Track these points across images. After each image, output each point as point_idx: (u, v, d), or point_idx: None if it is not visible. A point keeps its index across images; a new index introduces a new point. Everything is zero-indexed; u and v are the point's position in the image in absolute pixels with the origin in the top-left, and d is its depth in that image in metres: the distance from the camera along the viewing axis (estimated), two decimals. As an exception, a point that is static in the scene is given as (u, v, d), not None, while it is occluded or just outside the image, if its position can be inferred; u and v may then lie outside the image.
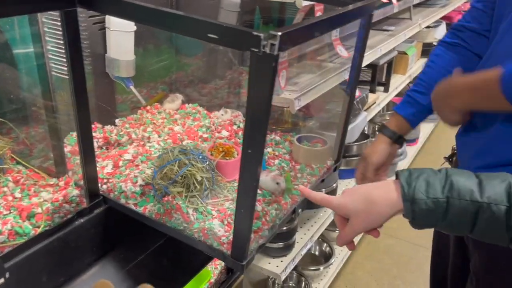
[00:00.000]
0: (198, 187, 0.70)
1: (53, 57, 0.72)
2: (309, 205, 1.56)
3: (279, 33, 0.49)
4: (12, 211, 0.67)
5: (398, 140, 0.94)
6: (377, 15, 1.65)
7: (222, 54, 1.13)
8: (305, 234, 1.45)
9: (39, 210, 0.68)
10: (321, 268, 1.69)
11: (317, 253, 1.86)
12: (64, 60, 0.70)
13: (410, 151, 2.95)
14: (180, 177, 0.70)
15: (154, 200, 0.73)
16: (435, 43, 2.52)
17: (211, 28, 0.53)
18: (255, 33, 0.50)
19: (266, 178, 0.78)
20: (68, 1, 0.60)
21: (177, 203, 0.70)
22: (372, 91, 1.76)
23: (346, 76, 1.31)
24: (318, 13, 1.03)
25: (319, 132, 1.03)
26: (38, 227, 0.67)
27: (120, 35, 0.87)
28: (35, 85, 0.78)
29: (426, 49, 2.42)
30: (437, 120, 3.35)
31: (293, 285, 1.72)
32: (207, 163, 0.72)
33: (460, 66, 0.88)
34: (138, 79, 1.02)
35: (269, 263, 1.33)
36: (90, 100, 0.92)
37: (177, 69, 1.17)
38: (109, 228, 0.79)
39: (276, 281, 1.72)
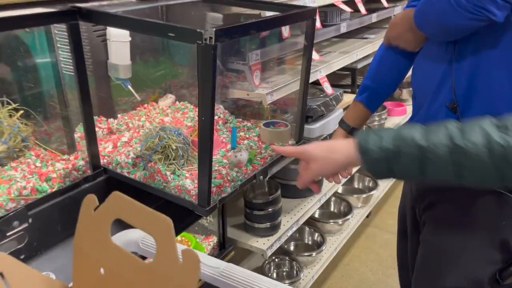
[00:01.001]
0: (174, 154, 0.91)
1: (63, 59, 0.94)
2: (295, 194, 1.75)
3: (214, 29, 0.70)
4: (34, 175, 0.88)
5: (352, 131, 1.08)
6: (354, 24, 1.86)
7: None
8: (291, 218, 1.64)
9: (54, 175, 0.89)
10: (314, 254, 1.86)
11: (310, 242, 2.03)
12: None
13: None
14: (160, 148, 0.91)
15: (142, 168, 0.94)
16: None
17: (170, 29, 0.75)
18: (198, 30, 0.71)
19: (231, 153, 0.99)
20: (72, 16, 0.83)
21: (158, 167, 0.90)
22: (353, 92, 1.96)
23: (317, 76, 1.51)
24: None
25: (291, 122, 1.23)
26: (53, 187, 0.88)
27: (118, 45, 1.09)
28: (52, 86, 1.01)
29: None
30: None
31: (287, 269, 1.89)
32: (182, 137, 0.93)
33: (397, 58, 1.07)
34: (140, 85, 1.24)
35: (257, 241, 1.52)
36: (96, 98, 1.15)
37: (172, 76, 1.39)
38: (109, 193, 0.99)
39: (272, 267, 1.89)
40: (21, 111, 0.96)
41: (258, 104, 1.29)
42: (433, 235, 0.96)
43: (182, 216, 1.01)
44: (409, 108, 2.79)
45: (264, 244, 1.50)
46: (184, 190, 0.88)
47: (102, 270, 0.61)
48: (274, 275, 1.88)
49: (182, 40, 0.73)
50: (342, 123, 1.10)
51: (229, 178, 0.92)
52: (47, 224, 0.87)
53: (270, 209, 1.51)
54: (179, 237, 1.49)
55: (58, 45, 0.92)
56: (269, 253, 1.49)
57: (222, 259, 1.43)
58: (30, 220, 0.83)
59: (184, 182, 0.89)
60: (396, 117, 2.64)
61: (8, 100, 0.94)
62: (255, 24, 0.78)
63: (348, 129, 1.09)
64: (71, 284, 0.67)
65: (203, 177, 0.82)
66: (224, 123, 1.18)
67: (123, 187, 0.95)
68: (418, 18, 0.88)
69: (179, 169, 0.92)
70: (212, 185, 0.89)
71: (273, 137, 1.10)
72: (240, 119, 1.22)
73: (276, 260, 1.89)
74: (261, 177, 1.00)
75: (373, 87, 1.08)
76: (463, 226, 0.89)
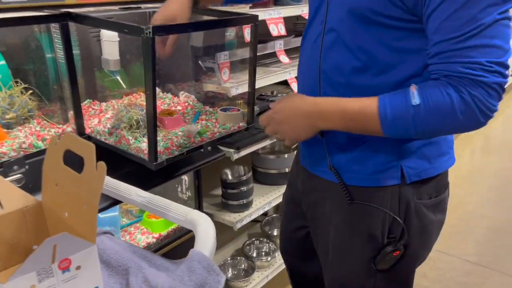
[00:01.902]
0: (136, 125, 1.19)
1: (59, 53, 1.25)
2: (272, 182, 1.99)
3: (151, 26, 0.98)
4: (33, 136, 1.19)
5: (196, 3, 1.11)
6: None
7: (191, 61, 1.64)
8: (263, 200, 1.88)
9: (48, 136, 1.19)
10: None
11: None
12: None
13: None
14: (126, 119, 1.20)
15: (114, 135, 1.23)
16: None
17: (125, 27, 1.03)
18: (141, 26, 0.99)
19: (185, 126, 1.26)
20: (64, 18, 1.13)
21: (123, 134, 1.19)
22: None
23: (286, 76, 1.77)
24: (246, 29, 1.51)
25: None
26: (46, 146, 1.18)
27: (109, 43, 1.40)
28: (53, 74, 1.32)
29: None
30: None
31: (265, 250, 2.13)
32: (144, 112, 1.21)
33: None
34: (133, 82, 1.54)
35: (229, 216, 1.77)
36: (92, 85, 1.46)
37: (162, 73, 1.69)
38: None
39: (252, 248, 2.13)
40: (30, 91, 1.28)
41: (226, 96, 1.56)
42: (317, 230, 1.09)
43: (152, 177, 1.28)
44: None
45: (234, 218, 1.75)
46: (140, 150, 1.16)
47: (56, 185, 0.90)
48: (254, 254, 2.12)
49: (133, 34, 1.01)
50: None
51: (176, 144, 1.19)
52: (40, 171, 1.16)
53: (242, 188, 1.76)
54: (161, 207, 1.76)
55: (56, 42, 1.23)
56: (239, 225, 1.74)
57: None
58: (26, 167, 1.13)
59: (141, 145, 1.17)
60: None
61: (21, 82, 1.26)
62: (190, 24, 1.05)
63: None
64: (40, 199, 0.95)
65: (150, 139, 1.09)
66: (191, 108, 1.45)
67: (100, 149, 1.24)
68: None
69: (140, 136, 1.20)
70: (162, 148, 1.16)
71: (227, 119, 1.36)
72: (207, 106, 1.49)
73: (256, 242, 2.13)
74: (209, 147, 1.26)
75: None
76: (341, 223, 1.02)
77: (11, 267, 0.87)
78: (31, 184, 1.15)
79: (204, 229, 0.87)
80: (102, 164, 0.77)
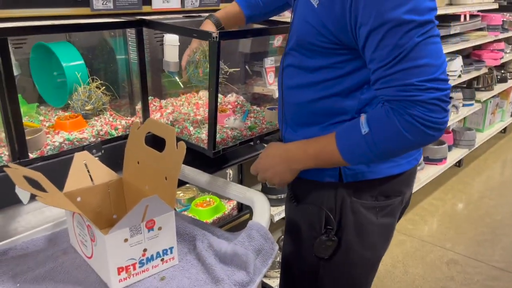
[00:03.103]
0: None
1: (132, 55, 1.43)
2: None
3: (218, 31, 1.14)
4: (107, 125, 1.37)
5: (217, 23, 1.27)
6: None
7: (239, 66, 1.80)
8: (300, 196, 2.01)
9: (120, 126, 1.37)
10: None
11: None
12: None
13: (434, 169, 3.28)
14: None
15: (176, 126, 1.40)
16: (448, 73, 2.98)
17: (195, 32, 1.20)
18: (210, 32, 1.15)
19: (234, 120, 1.42)
20: (139, 24, 1.32)
21: (185, 125, 1.36)
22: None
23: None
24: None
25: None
26: (118, 134, 1.36)
27: (171, 47, 1.58)
28: (124, 73, 1.50)
29: (438, 77, 2.89)
30: (472, 147, 3.67)
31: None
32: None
33: None
34: (188, 83, 1.72)
35: (268, 209, 1.91)
36: (153, 84, 1.64)
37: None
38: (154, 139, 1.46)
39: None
40: (104, 87, 1.47)
41: (271, 97, 1.72)
42: (288, 212, 1.20)
43: (205, 166, 1.45)
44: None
45: (273, 211, 1.89)
46: (201, 140, 1.32)
47: (138, 163, 1.07)
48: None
49: (201, 38, 1.18)
50: (211, 16, 1.28)
51: (231, 136, 1.35)
52: (114, 155, 1.34)
53: (280, 184, 1.90)
54: (208, 197, 1.92)
55: (130, 45, 1.41)
56: (277, 218, 1.88)
57: (238, 219, 1.85)
58: (102, 151, 1.31)
59: (201, 135, 1.33)
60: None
61: (97, 78, 1.45)
62: (246, 31, 1.22)
63: (216, 22, 1.27)
64: (121, 175, 1.12)
65: (210, 131, 1.25)
66: (241, 107, 1.61)
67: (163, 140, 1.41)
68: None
69: (200, 128, 1.37)
70: (219, 139, 1.32)
71: (273, 117, 1.52)
72: (255, 106, 1.65)
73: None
74: (258, 141, 1.42)
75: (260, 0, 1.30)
76: (298, 211, 1.13)
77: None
78: (107, 165, 1.32)
79: (260, 203, 1.02)
80: (183, 144, 0.93)
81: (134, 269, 0.91)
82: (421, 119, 0.84)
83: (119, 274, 0.89)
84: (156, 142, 1.06)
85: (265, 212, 1.01)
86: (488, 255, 2.59)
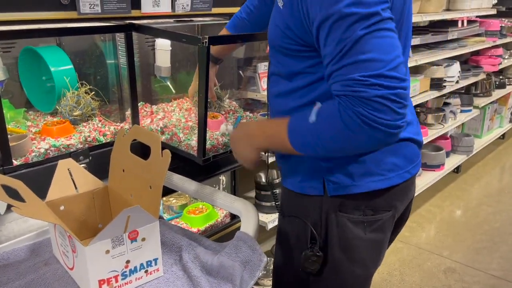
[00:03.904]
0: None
1: (121, 60, 1.41)
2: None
3: (207, 36, 1.11)
4: (96, 131, 1.34)
5: (216, 61, 1.34)
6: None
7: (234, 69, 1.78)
8: (294, 203, 1.98)
9: (108, 132, 1.34)
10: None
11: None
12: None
13: (432, 176, 3.26)
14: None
15: (166, 133, 1.37)
16: (445, 79, 2.96)
17: (183, 37, 1.18)
18: (199, 36, 1.13)
19: (226, 126, 1.39)
20: (129, 28, 1.29)
21: (175, 132, 1.33)
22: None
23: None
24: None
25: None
26: (107, 140, 1.33)
27: (162, 52, 1.55)
28: (113, 78, 1.48)
29: (436, 83, 2.87)
30: (470, 153, 3.64)
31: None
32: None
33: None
34: (179, 88, 1.69)
35: (262, 216, 1.89)
36: (144, 90, 1.61)
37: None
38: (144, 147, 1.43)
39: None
40: (93, 92, 1.44)
41: (264, 103, 1.69)
42: (279, 222, 1.17)
43: (195, 174, 1.42)
44: (430, 131, 3.03)
45: (267, 219, 1.86)
46: (190, 147, 1.29)
47: (123, 171, 1.04)
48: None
49: (190, 43, 1.15)
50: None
51: (222, 143, 1.32)
52: (101, 162, 1.31)
53: (274, 191, 1.87)
54: (200, 204, 1.89)
55: (119, 50, 1.39)
56: (271, 225, 1.85)
57: (230, 226, 1.82)
58: (90, 158, 1.28)
59: (190, 142, 1.30)
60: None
61: (85, 83, 1.42)
62: (236, 36, 1.19)
63: (213, 58, 1.31)
64: (107, 183, 1.09)
65: (200, 138, 1.22)
66: (233, 113, 1.59)
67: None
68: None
69: (190, 135, 1.34)
70: (209, 145, 1.29)
71: (266, 123, 1.49)
72: (248, 111, 1.62)
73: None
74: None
75: (246, 21, 1.28)
76: (286, 222, 1.10)
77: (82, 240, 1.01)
78: (94, 172, 1.29)
79: (248, 213, 0.99)
80: (167, 152, 0.91)
81: (116, 281, 0.88)
82: (365, 118, 0.79)
83: (100, 286, 0.86)
84: (143, 150, 1.03)
85: (253, 222, 0.98)
86: (486, 263, 2.55)
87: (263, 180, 1.95)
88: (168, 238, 1.05)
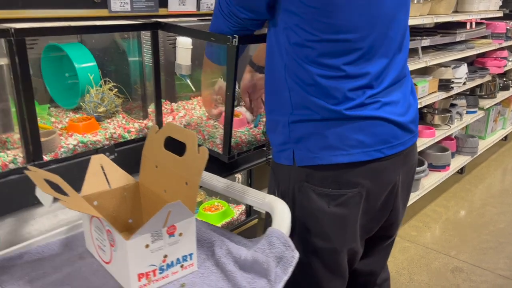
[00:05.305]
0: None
1: (146, 57, 1.42)
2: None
3: (237, 36, 1.13)
4: (120, 128, 1.35)
5: (258, 69, 1.34)
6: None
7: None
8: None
9: (133, 129, 1.36)
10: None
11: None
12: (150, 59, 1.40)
13: (438, 176, 3.28)
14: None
15: (190, 130, 1.38)
16: (453, 80, 2.98)
17: (213, 36, 1.19)
18: (229, 36, 1.14)
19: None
20: (155, 26, 1.30)
21: (200, 129, 1.34)
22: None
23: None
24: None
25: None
26: (131, 137, 1.34)
27: (183, 50, 1.56)
28: (137, 75, 1.49)
29: (444, 84, 2.89)
30: (475, 154, 3.67)
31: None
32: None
33: None
34: (198, 86, 1.71)
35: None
36: (164, 87, 1.62)
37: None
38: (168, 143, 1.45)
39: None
40: (116, 89, 1.45)
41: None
42: None
43: (218, 169, 1.43)
44: (437, 132, 3.05)
45: (282, 217, 1.88)
46: (215, 144, 1.31)
47: (156, 167, 1.05)
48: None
49: (220, 42, 1.17)
50: (249, 61, 1.36)
51: (246, 141, 1.34)
52: (126, 158, 1.33)
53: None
54: (216, 202, 1.91)
55: (144, 47, 1.40)
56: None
57: (246, 224, 1.84)
58: (116, 154, 1.30)
59: (215, 140, 1.32)
60: (425, 138, 2.92)
61: (109, 80, 1.43)
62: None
63: (255, 66, 1.34)
64: (136, 178, 1.10)
65: (226, 136, 1.24)
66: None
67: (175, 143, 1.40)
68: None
69: (213, 133, 1.35)
70: (234, 143, 1.31)
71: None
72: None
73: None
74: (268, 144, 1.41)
75: None
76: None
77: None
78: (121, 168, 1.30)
79: (281, 210, 1.01)
80: (205, 149, 0.92)
81: (154, 275, 0.89)
82: None
83: (139, 280, 0.87)
84: (170, 146, 1.04)
85: (285, 219, 1.00)
86: (493, 263, 2.58)
87: (278, 178, 1.96)
88: (199, 234, 1.06)
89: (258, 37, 1.17)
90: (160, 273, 0.90)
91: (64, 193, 0.86)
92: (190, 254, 0.94)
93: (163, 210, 0.83)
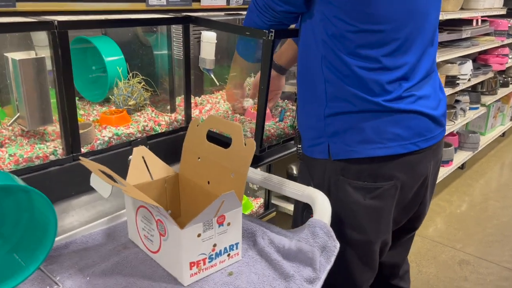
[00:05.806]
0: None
1: (175, 50, 1.43)
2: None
3: (273, 30, 1.15)
4: (151, 121, 1.37)
5: (281, 70, 1.38)
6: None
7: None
8: (324, 195, 2.03)
9: (163, 122, 1.37)
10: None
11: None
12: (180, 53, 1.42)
13: (442, 171, 3.33)
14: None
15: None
16: (459, 76, 3.03)
17: (248, 30, 1.21)
18: (265, 30, 1.16)
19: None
20: (187, 21, 1.32)
21: (230, 123, 1.37)
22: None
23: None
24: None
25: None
26: (162, 130, 1.36)
27: (207, 45, 1.58)
28: (165, 69, 1.50)
29: (450, 80, 2.94)
30: (476, 150, 3.73)
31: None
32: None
33: None
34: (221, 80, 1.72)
35: (292, 207, 1.93)
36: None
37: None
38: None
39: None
40: (143, 82, 1.46)
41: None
42: None
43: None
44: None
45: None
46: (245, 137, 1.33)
47: (198, 158, 1.07)
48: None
49: (254, 37, 1.19)
50: (274, 66, 1.36)
51: (275, 134, 1.36)
52: (158, 150, 1.34)
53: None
54: (235, 195, 1.93)
55: (174, 41, 1.41)
56: (303, 216, 1.89)
57: (265, 217, 1.86)
58: (148, 146, 1.31)
59: (246, 132, 1.34)
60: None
61: (138, 73, 1.44)
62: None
63: (277, 68, 1.36)
64: (177, 171, 1.12)
65: (258, 129, 1.26)
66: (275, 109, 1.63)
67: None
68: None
69: (242, 126, 1.38)
70: (264, 137, 1.33)
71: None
72: (289, 104, 1.66)
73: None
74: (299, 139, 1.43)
75: None
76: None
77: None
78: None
79: (321, 201, 1.04)
80: (252, 141, 0.94)
81: (204, 264, 0.91)
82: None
83: (190, 269, 0.89)
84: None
85: (326, 210, 1.02)
86: (498, 256, 2.64)
87: (295, 172, 1.99)
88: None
89: (294, 31, 1.19)
90: (209, 261, 0.92)
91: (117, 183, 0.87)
92: (236, 244, 0.96)
93: (217, 201, 0.85)
